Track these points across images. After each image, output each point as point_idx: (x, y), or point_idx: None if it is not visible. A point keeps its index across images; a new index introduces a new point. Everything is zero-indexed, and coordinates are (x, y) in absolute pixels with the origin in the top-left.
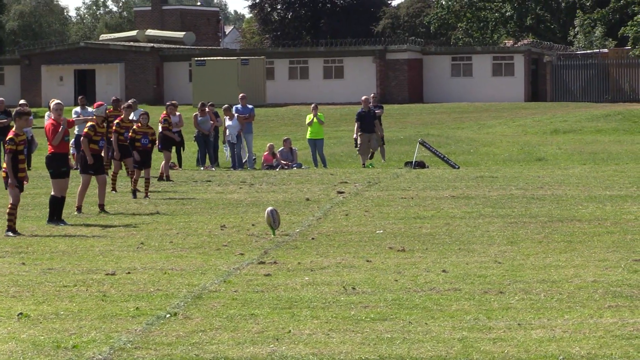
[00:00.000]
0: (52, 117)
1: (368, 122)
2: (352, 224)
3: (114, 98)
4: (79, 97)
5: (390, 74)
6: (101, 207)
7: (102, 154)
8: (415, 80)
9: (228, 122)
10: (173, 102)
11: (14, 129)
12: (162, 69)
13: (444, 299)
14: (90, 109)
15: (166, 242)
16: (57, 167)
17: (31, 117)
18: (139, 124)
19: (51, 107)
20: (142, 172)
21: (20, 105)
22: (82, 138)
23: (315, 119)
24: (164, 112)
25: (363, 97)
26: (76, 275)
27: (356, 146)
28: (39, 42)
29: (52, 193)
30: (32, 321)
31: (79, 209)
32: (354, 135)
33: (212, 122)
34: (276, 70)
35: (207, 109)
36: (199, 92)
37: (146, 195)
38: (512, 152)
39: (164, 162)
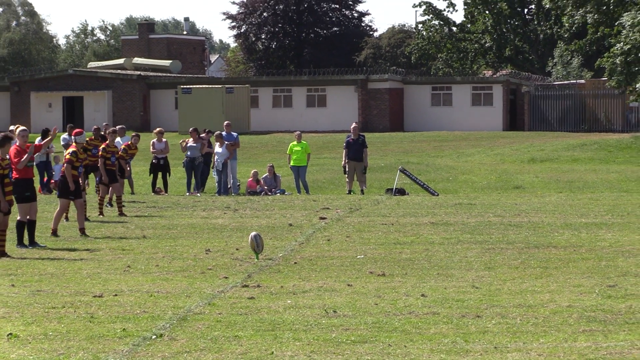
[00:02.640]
0: (17, 143)
1: (355, 150)
2: (333, 249)
3: (94, 127)
4: (68, 126)
5: (372, 103)
6: (82, 230)
7: (80, 180)
8: (396, 109)
9: (217, 149)
10: (116, 127)
11: None
12: (148, 97)
13: (423, 323)
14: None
15: (152, 266)
16: (21, 192)
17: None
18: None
19: (16, 133)
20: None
21: (10, 131)
22: (64, 164)
23: (298, 147)
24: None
25: (353, 125)
26: (64, 297)
27: (345, 172)
28: (28, 69)
29: (18, 217)
30: (21, 341)
31: (54, 232)
32: (343, 162)
33: (205, 148)
34: (260, 99)
35: (203, 135)
36: (184, 120)
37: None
38: (490, 180)
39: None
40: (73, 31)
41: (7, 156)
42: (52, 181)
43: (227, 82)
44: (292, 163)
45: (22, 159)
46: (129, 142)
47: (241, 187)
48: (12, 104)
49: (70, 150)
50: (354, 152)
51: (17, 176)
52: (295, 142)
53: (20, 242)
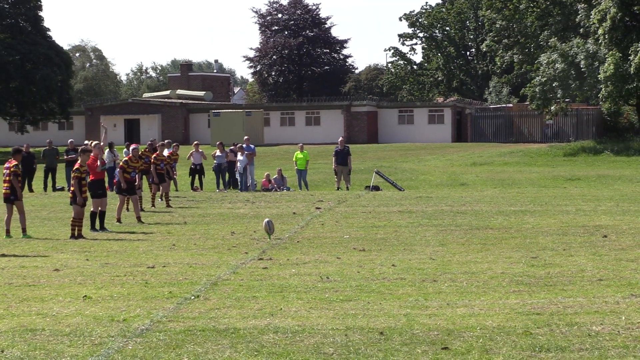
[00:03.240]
0: (93, 154)
1: (342, 157)
2: (326, 231)
3: (149, 142)
4: (126, 143)
5: (354, 122)
6: (138, 218)
7: (136, 180)
8: (372, 127)
9: (239, 157)
10: (164, 141)
11: (79, 161)
12: (188, 118)
13: (393, 286)
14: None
15: (191, 244)
16: (95, 190)
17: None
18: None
19: (92, 146)
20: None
21: (85, 144)
22: (118, 169)
23: (301, 155)
24: (129, 154)
25: (339, 139)
26: (126, 268)
27: (335, 174)
28: (99, 98)
29: (92, 209)
30: (94, 301)
31: (118, 220)
32: (333, 166)
33: (227, 157)
34: (271, 119)
35: (232, 147)
36: (215, 135)
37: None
38: (443, 179)
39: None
40: (132, 70)
41: (85, 164)
42: (115, 181)
43: (246, 108)
44: (297, 167)
45: (98, 164)
46: (172, 151)
47: (257, 185)
48: (86, 125)
49: (124, 159)
50: (341, 159)
51: (92, 178)
52: (298, 152)
53: (92, 227)
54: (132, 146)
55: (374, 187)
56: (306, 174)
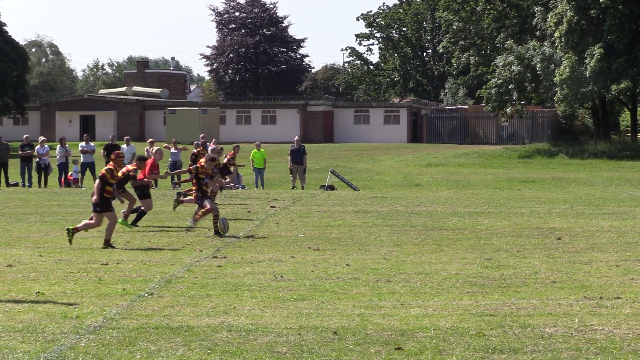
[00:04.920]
0: (154, 157)
1: (297, 156)
2: (281, 229)
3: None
4: (85, 135)
5: (310, 122)
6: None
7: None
8: (328, 127)
9: None
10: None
11: (134, 164)
12: (144, 116)
13: (347, 285)
14: (92, 144)
15: (146, 241)
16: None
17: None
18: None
19: (154, 151)
20: None
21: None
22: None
23: (258, 154)
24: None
25: (295, 138)
26: (79, 265)
27: (290, 173)
28: (54, 94)
29: (143, 208)
30: (47, 298)
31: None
32: (289, 165)
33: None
34: (227, 118)
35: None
36: (170, 133)
37: None
38: (398, 179)
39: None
40: (88, 66)
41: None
42: (69, 176)
43: (202, 105)
44: (254, 166)
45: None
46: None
47: None
48: (42, 120)
49: (107, 167)
50: (297, 158)
51: (141, 177)
52: (256, 150)
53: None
54: (212, 146)
55: (329, 186)
56: (264, 172)
